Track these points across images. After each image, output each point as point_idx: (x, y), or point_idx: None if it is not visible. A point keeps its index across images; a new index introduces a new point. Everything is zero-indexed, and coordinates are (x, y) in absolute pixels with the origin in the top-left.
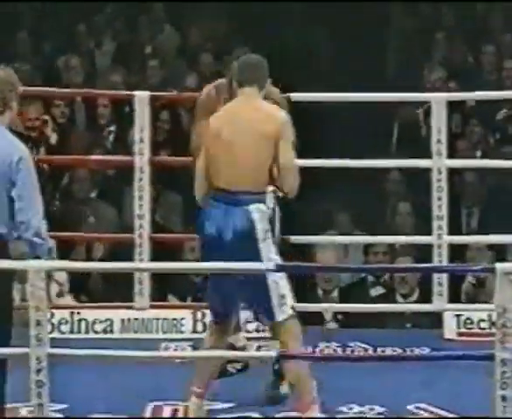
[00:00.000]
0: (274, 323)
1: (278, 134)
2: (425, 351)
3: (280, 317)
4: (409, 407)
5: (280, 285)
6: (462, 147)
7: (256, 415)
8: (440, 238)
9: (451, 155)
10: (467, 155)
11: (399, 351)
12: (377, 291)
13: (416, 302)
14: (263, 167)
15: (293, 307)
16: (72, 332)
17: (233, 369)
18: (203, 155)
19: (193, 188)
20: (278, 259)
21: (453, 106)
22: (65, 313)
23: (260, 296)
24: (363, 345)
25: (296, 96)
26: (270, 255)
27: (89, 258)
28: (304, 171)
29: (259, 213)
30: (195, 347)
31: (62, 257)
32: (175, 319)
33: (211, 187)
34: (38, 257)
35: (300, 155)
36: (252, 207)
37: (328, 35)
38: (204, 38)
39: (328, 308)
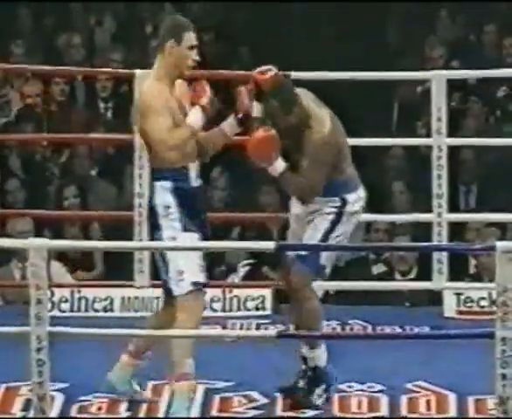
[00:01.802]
0: (172, 298)
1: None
2: (425, 329)
3: (176, 292)
4: (408, 385)
5: (177, 260)
6: (463, 124)
7: (255, 395)
8: (440, 216)
9: (452, 133)
10: (467, 133)
11: (399, 329)
12: (378, 268)
13: (414, 280)
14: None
15: (195, 283)
16: (72, 310)
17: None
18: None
19: None
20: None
21: (453, 84)
22: (66, 292)
23: (160, 270)
24: (363, 323)
25: (296, 75)
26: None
27: (86, 237)
28: None
29: (161, 189)
30: None
31: (57, 235)
32: None
33: None
34: None
35: None
36: (156, 183)
37: (328, 14)
38: (204, 16)
39: (326, 286)
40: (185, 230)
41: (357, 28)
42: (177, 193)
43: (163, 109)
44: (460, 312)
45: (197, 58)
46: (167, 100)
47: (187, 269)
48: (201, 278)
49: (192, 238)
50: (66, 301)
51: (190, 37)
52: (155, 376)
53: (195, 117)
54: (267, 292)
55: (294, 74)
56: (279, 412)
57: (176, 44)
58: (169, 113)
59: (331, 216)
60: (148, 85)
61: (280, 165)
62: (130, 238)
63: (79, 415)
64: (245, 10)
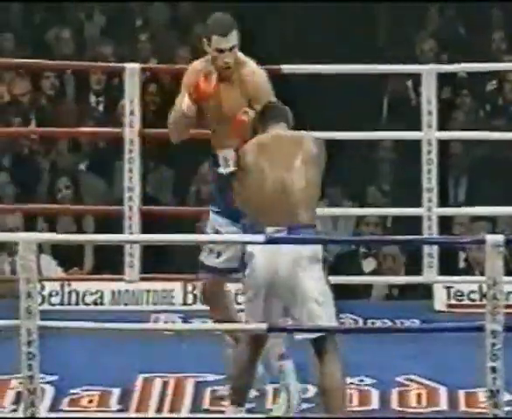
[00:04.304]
0: None
1: None
2: (416, 323)
3: None
4: (398, 378)
5: None
6: (453, 118)
7: None
8: (430, 210)
9: (442, 127)
10: (457, 127)
11: (389, 323)
12: (369, 263)
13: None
14: None
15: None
16: (62, 304)
17: None
18: None
19: (184, 163)
20: None
21: (443, 78)
22: (56, 285)
23: None
24: (354, 316)
25: (286, 68)
26: None
27: (80, 231)
28: None
29: None
30: (185, 319)
31: (50, 229)
32: (165, 291)
33: None
34: None
35: (291, 128)
36: None
37: (317, 8)
38: (195, 10)
39: None
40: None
41: (347, 22)
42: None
43: (183, 87)
44: (451, 306)
45: (228, 60)
46: (188, 80)
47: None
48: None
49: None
50: (57, 295)
51: (218, 41)
52: (145, 370)
53: (182, 103)
54: None
55: (285, 68)
56: (269, 405)
57: (207, 44)
58: (183, 93)
59: None
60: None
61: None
62: (121, 232)
63: (76, 412)
64: (233, 5)
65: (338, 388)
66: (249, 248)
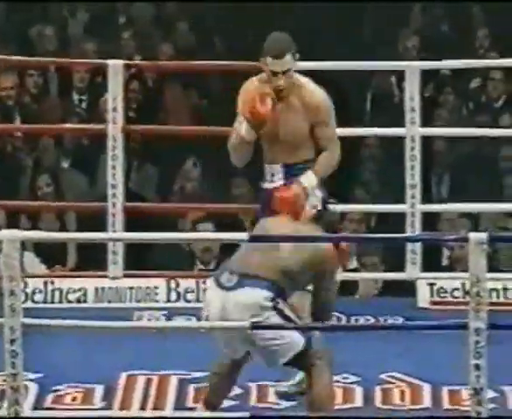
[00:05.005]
0: None
1: None
2: (399, 320)
3: None
4: (382, 376)
5: None
6: (436, 115)
7: None
8: (413, 207)
9: (426, 124)
10: (440, 124)
11: (372, 320)
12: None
13: (385, 271)
14: None
15: None
16: (45, 301)
17: None
18: None
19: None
20: None
21: (427, 75)
22: (39, 283)
23: None
24: (337, 314)
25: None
26: None
27: (62, 228)
28: None
29: None
30: (168, 317)
31: (33, 226)
32: (148, 288)
33: None
34: None
35: None
36: None
37: (303, 5)
38: (179, 8)
39: None
40: None
41: (332, 19)
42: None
43: (239, 108)
44: (434, 303)
45: (281, 83)
46: (242, 101)
47: None
48: None
49: None
50: (40, 292)
51: (272, 64)
52: (128, 367)
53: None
54: None
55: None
56: (253, 402)
57: (264, 64)
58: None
59: None
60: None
61: (308, 177)
62: (104, 229)
63: (60, 409)
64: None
65: (326, 404)
66: (207, 294)
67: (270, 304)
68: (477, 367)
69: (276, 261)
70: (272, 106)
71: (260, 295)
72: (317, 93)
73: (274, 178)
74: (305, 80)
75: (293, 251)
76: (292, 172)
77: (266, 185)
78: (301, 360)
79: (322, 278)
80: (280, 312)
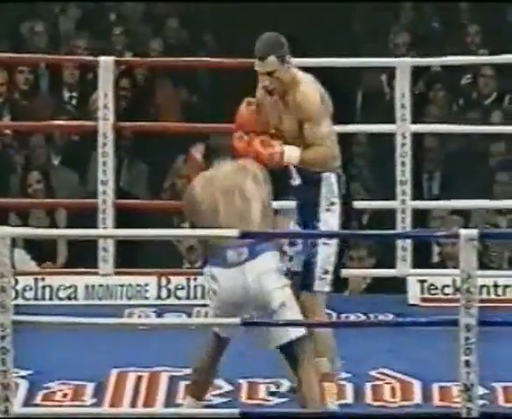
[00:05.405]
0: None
1: None
2: (389, 317)
3: (316, 287)
4: (372, 372)
5: (329, 259)
6: (427, 112)
7: (220, 382)
8: (404, 203)
9: (416, 121)
10: (431, 121)
11: (363, 316)
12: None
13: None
14: None
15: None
16: (36, 298)
17: None
18: None
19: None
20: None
21: (417, 72)
22: (30, 280)
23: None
24: (327, 310)
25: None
26: None
27: (52, 225)
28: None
29: None
30: (159, 314)
31: (23, 223)
32: (139, 285)
33: None
34: None
35: None
36: None
37: (293, 1)
38: (169, 4)
39: None
40: None
41: (322, 16)
42: None
43: None
44: (424, 300)
45: (266, 84)
46: None
47: (331, 271)
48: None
49: None
50: (31, 289)
51: (256, 64)
52: (119, 364)
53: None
54: None
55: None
56: (243, 399)
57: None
58: None
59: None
60: None
61: (292, 150)
62: (94, 226)
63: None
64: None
65: (313, 395)
66: (212, 270)
67: (283, 266)
68: (467, 363)
69: (256, 214)
70: (253, 111)
71: (274, 257)
72: (306, 92)
73: (293, 176)
74: (303, 79)
75: (258, 195)
76: (303, 172)
77: (292, 182)
78: (296, 349)
79: None
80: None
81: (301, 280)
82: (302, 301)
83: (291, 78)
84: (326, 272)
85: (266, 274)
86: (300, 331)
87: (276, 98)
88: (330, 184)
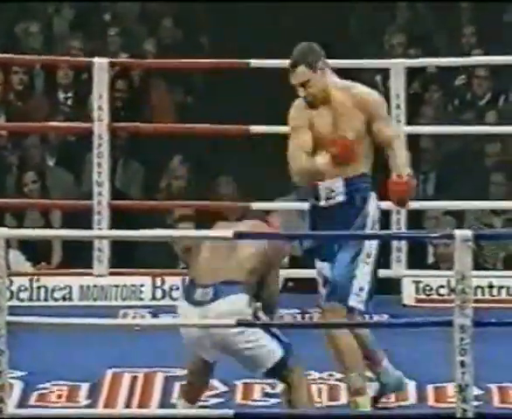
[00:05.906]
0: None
1: None
2: (384, 317)
3: (352, 303)
4: (367, 373)
5: (365, 277)
6: (422, 112)
7: (215, 383)
8: None
9: (411, 121)
10: (426, 121)
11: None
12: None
13: None
14: None
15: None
16: (31, 299)
17: None
18: None
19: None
20: None
21: (412, 72)
22: (25, 280)
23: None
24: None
25: (256, 63)
26: None
27: (47, 225)
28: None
29: None
30: (154, 314)
31: (18, 223)
32: (134, 286)
33: None
34: None
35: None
36: None
37: (288, 2)
38: (164, 4)
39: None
40: None
41: (318, 16)
42: None
43: (294, 125)
44: (419, 301)
45: (301, 94)
46: (298, 117)
47: (366, 288)
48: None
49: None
50: (25, 290)
51: (290, 75)
52: (114, 364)
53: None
54: None
55: (254, 62)
56: (238, 400)
57: None
58: (298, 131)
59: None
60: None
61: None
62: (89, 226)
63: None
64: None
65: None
66: (180, 303)
67: (250, 311)
68: (462, 364)
69: (241, 263)
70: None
71: (240, 301)
72: (367, 90)
73: (334, 194)
74: (343, 86)
75: (252, 250)
76: (354, 186)
77: (323, 203)
78: (280, 371)
79: (276, 268)
80: (258, 319)
81: (332, 292)
82: (326, 311)
83: (325, 84)
84: (361, 289)
85: (227, 317)
86: (279, 349)
87: (321, 108)
88: (375, 202)
